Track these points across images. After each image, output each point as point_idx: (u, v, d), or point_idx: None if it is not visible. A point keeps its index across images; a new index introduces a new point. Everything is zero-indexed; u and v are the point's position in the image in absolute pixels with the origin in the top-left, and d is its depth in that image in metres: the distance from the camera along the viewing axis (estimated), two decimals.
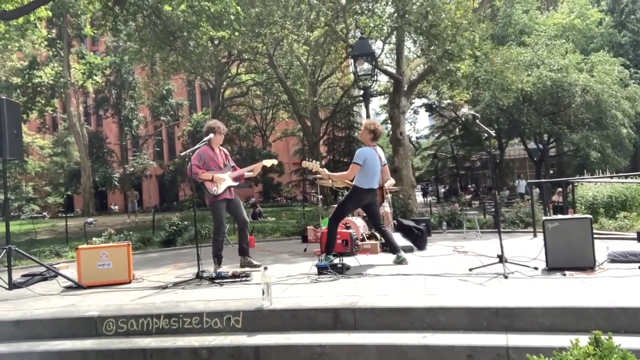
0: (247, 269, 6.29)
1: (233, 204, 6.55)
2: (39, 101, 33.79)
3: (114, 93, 42.17)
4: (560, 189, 14.54)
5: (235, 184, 6.52)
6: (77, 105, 35.27)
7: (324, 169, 6.68)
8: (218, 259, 6.38)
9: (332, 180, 7.20)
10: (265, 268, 4.39)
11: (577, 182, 12.15)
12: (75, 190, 42.50)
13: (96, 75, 34.73)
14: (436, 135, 48.05)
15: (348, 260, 6.18)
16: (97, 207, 39.77)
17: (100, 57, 36.23)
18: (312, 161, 6.53)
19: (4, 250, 5.78)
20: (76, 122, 33.69)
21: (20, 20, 16.14)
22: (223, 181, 6.34)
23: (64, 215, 31.52)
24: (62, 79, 32.03)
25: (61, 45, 32.22)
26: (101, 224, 21.45)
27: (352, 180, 6.43)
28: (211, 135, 6.40)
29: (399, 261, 6.27)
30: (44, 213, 40.64)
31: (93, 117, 49.40)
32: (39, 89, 33.16)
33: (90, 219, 23.86)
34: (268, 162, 6.77)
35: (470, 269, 5.32)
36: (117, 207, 26.20)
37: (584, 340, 2.48)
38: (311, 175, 7.36)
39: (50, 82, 32.49)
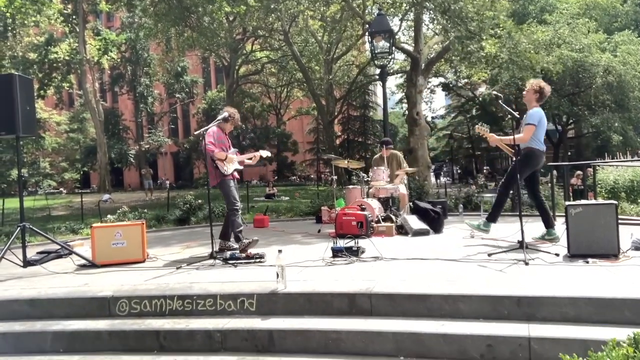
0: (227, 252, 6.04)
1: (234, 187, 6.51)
2: (55, 77, 33.87)
3: (129, 69, 42.20)
4: (579, 172, 14.26)
5: (240, 167, 6.58)
6: (92, 81, 35.28)
7: (492, 134, 6.14)
8: (239, 237, 6.22)
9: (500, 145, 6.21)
10: (280, 251, 4.30)
11: (599, 165, 11.87)
12: (92, 166, 42.90)
13: (111, 52, 34.67)
14: (453, 115, 47.47)
15: (363, 243, 6.07)
16: (113, 183, 40.11)
17: (115, 34, 36.12)
18: (482, 125, 6.16)
19: (18, 228, 5.77)
20: (92, 99, 33.76)
21: None
22: (232, 163, 6.33)
23: (80, 191, 31.89)
24: (77, 55, 32.02)
25: (77, 21, 32.14)
26: (117, 201, 21.65)
27: (513, 146, 5.91)
28: (225, 114, 6.35)
29: (551, 238, 5.98)
30: (61, 189, 41.14)
31: (109, 93, 49.56)
32: (55, 65, 33.20)
33: (106, 196, 24.11)
34: (264, 153, 6.87)
35: (490, 254, 5.19)
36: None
37: (616, 333, 2.35)
38: (325, 155, 7.20)
39: (66, 58, 32.50)
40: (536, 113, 5.88)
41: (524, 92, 6.07)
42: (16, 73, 5.55)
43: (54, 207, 21.03)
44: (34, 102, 6.06)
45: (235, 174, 6.48)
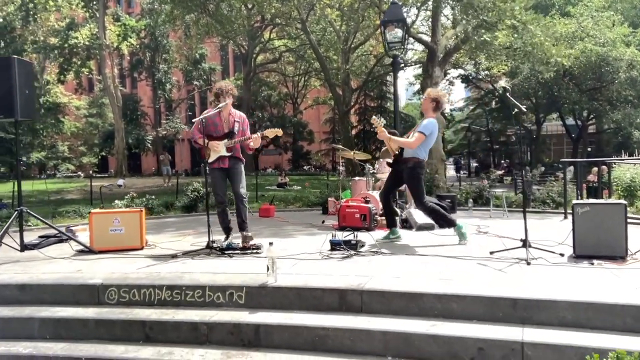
0: (250, 243, 5.75)
1: (230, 175, 5.92)
2: (75, 62, 34.09)
3: (148, 56, 42.29)
4: (596, 169, 13.91)
5: (229, 154, 5.84)
6: (111, 67, 35.47)
7: (385, 131, 5.98)
8: (226, 232, 5.96)
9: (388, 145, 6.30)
10: (271, 243, 4.19)
11: (615, 162, 11.53)
12: (110, 151, 43.25)
13: (131, 38, 34.76)
14: (471, 107, 46.79)
15: (364, 237, 5.94)
16: (131, 168, 40.39)
17: (135, 20, 36.21)
18: (379, 118, 6.01)
19: (16, 212, 5.76)
20: (111, 84, 33.93)
21: None
22: (217, 150, 5.79)
23: (96, 175, 32.15)
24: (97, 41, 32.16)
25: (97, 7, 32.26)
26: (131, 186, 21.78)
27: (396, 149, 6.02)
28: (229, 100, 5.80)
29: (395, 237, 6.10)
30: (79, 172, 41.60)
31: (127, 79, 49.78)
32: (75, 50, 33.39)
33: (120, 181, 24.28)
34: (271, 133, 5.98)
35: (491, 253, 5.03)
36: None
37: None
38: (333, 145, 6.95)
39: (86, 43, 32.66)
40: (430, 123, 5.82)
41: (422, 100, 5.97)
42: (15, 56, 5.49)
43: (70, 190, 21.26)
44: (34, 86, 6.00)
45: (228, 162, 5.85)
